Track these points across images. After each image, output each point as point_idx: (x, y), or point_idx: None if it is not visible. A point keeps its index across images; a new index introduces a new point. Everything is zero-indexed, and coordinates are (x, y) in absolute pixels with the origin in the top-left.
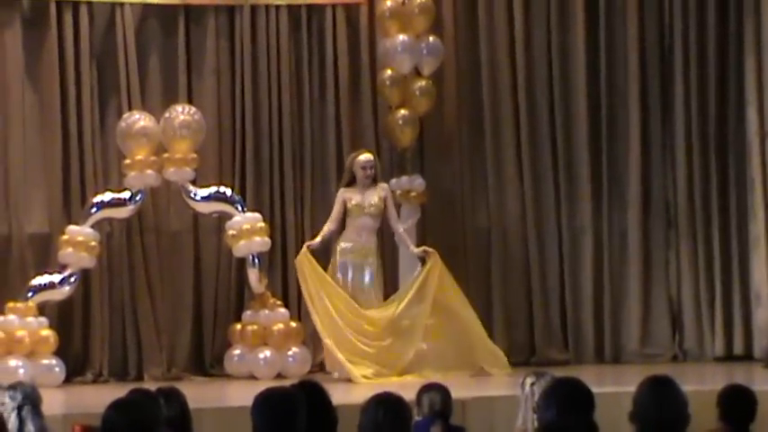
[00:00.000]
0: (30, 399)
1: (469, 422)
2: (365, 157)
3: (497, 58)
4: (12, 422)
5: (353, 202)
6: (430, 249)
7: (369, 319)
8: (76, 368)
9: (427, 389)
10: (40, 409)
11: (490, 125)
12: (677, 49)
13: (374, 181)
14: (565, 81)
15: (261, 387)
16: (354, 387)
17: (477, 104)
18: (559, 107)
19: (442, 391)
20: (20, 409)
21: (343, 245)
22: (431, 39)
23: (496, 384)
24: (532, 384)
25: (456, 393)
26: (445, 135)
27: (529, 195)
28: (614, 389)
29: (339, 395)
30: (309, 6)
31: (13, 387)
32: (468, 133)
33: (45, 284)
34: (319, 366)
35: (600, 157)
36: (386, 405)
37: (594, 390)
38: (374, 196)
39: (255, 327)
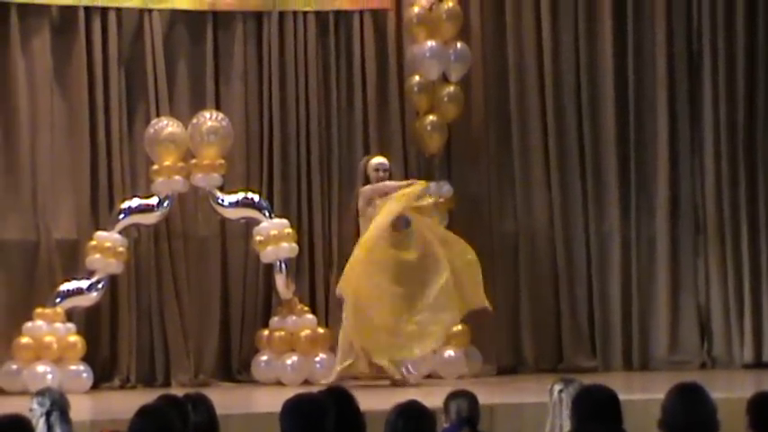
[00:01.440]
0: (58, 404)
1: (497, 429)
2: (378, 160)
3: (525, 64)
4: (40, 428)
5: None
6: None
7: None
8: (104, 374)
9: (455, 395)
10: (68, 414)
11: (518, 131)
12: (706, 55)
13: None
14: (592, 86)
15: (288, 393)
16: (382, 393)
17: (505, 110)
18: (587, 112)
19: (470, 397)
20: (48, 414)
21: None
22: (458, 45)
23: (525, 391)
24: (561, 391)
25: (484, 400)
26: (473, 141)
27: (556, 201)
28: (643, 396)
29: (367, 401)
30: (337, 12)
31: (41, 393)
32: (495, 139)
33: (73, 290)
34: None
35: (628, 163)
36: (407, 415)
37: (623, 397)
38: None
39: (283, 333)
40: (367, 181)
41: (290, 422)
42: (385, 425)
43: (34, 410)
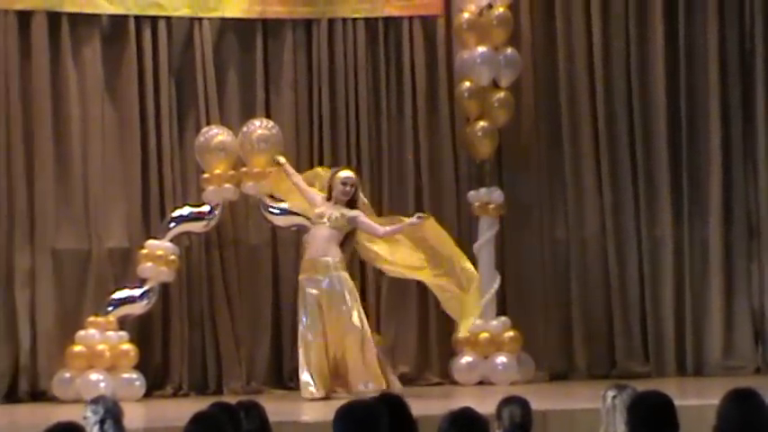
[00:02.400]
0: (112, 412)
1: None
2: (345, 173)
3: (575, 69)
4: None
5: (316, 211)
6: (424, 215)
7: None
8: (156, 382)
9: (507, 402)
10: (122, 422)
11: (568, 136)
12: (758, 59)
13: (351, 202)
14: (644, 91)
15: (339, 401)
16: (434, 400)
17: (556, 115)
18: (638, 117)
19: (523, 403)
20: (102, 422)
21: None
22: (509, 50)
23: (577, 397)
24: (614, 397)
25: (536, 406)
26: (523, 147)
27: (608, 207)
28: (697, 402)
29: (419, 408)
30: (386, 19)
31: (95, 401)
32: (546, 144)
33: (125, 299)
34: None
35: (680, 167)
36: (460, 422)
37: (677, 403)
38: (339, 212)
39: None
40: (330, 193)
41: (343, 429)
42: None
43: (88, 418)
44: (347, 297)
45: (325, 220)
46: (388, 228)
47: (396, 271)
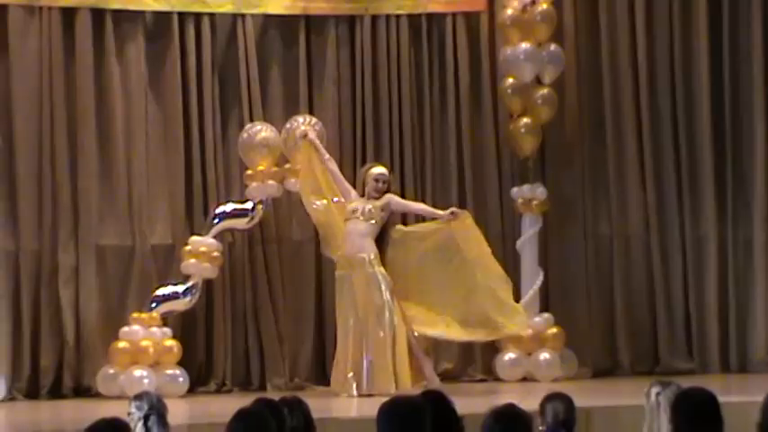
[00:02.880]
0: (156, 408)
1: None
2: (379, 169)
3: (619, 65)
4: (138, 431)
5: (349, 206)
6: (458, 210)
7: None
8: (200, 378)
9: (551, 398)
10: (166, 418)
11: (612, 132)
12: None
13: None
14: (688, 87)
15: (383, 398)
16: (477, 396)
17: (599, 112)
18: (682, 113)
19: (566, 400)
20: (146, 418)
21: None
22: (552, 46)
23: (621, 394)
24: (658, 394)
25: (580, 403)
26: (567, 143)
27: (651, 203)
28: (741, 398)
29: (462, 404)
30: (430, 15)
31: (139, 397)
32: (589, 141)
33: (168, 295)
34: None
35: (724, 164)
36: (504, 419)
37: (721, 399)
38: (372, 204)
39: None
40: (363, 189)
41: (388, 425)
42: (481, 428)
43: (132, 414)
44: (382, 294)
45: (359, 214)
46: (422, 205)
47: (430, 333)
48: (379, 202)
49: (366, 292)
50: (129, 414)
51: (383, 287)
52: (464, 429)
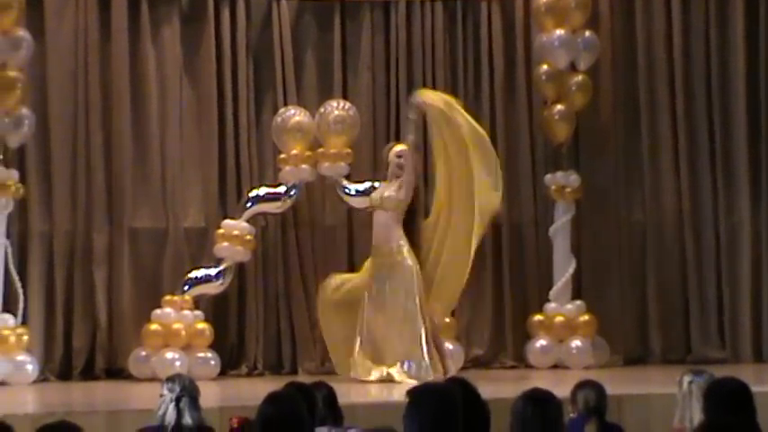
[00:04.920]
0: (188, 390)
1: (625, 420)
2: (399, 147)
3: (654, 52)
4: (170, 413)
5: (374, 196)
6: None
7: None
8: (231, 361)
9: (582, 386)
10: (198, 401)
11: (646, 119)
12: None
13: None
14: (723, 74)
15: (404, 384)
16: (508, 383)
17: (634, 99)
18: (717, 100)
19: (597, 387)
20: (178, 400)
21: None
22: (587, 33)
23: (652, 382)
24: (690, 383)
25: (611, 390)
26: (601, 130)
27: (685, 191)
28: None
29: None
30: (465, 1)
31: (171, 379)
32: (623, 128)
33: (201, 278)
34: (473, 362)
35: (759, 151)
36: (535, 402)
37: (753, 389)
38: (391, 187)
39: None
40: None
41: (417, 411)
42: (512, 412)
43: (164, 396)
44: (407, 284)
45: (380, 204)
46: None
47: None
48: (394, 185)
49: (391, 283)
50: (161, 396)
51: (408, 278)
52: (490, 415)
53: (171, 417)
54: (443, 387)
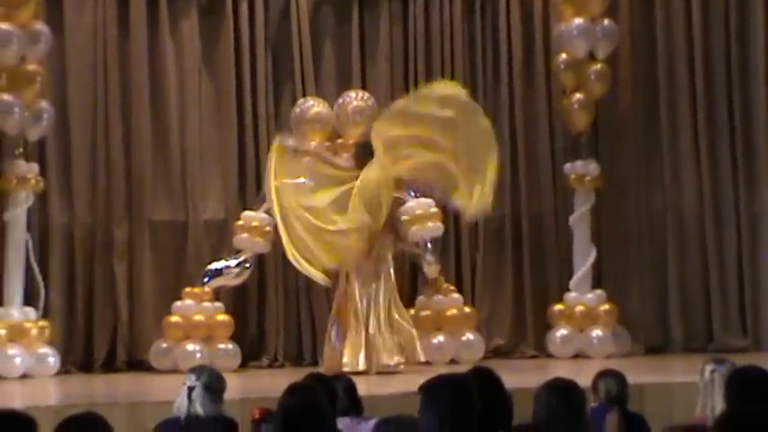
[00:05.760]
0: (205, 382)
1: (647, 408)
2: None
3: (673, 40)
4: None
5: None
6: None
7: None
8: (252, 353)
9: (604, 375)
10: (219, 392)
11: (666, 108)
12: None
13: None
14: (743, 61)
15: (434, 373)
16: (529, 372)
17: (653, 87)
18: (737, 88)
19: (619, 377)
20: (190, 390)
21: None
22: (606, 22)
23: (674, 371)
24: (713, 371)
25: (633, 379)
26: (620, 118)
27: (706, 179)
28: None
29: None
30: None
31: (193, 370)
32: (643, 116)
33: (221, 269)
34: (494, 352)
35: None
36: (559, 391)
37: None
38: None
39: (429, 312)
40: None
41: (432, 402)
42: (534, 400)
43: (188, 386)
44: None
45: None
46: None
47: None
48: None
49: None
50: (184, 385)
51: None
52: (513, 406)
53: (183, 407)
54: (456, 377)
